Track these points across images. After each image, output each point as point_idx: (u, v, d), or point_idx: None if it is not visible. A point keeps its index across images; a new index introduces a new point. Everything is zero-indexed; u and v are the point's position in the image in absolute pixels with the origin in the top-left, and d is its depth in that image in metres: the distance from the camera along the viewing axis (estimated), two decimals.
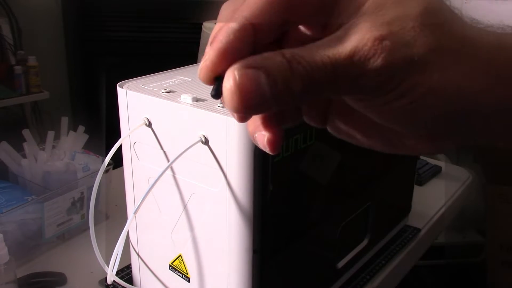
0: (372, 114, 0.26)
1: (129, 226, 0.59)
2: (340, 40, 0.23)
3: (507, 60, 0.25)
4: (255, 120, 0.28)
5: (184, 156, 0.51)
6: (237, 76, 0.22)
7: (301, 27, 0.27)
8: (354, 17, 0.24)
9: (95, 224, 0.56)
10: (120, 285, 0.61)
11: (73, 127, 0.89)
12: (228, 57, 0.24)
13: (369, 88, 0.24)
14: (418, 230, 0.88)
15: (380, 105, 0.25)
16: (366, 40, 0.23)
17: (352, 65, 0.23)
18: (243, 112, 0.23)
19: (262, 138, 0.27)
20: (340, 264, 0.69)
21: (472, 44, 0.24)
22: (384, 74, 0.23)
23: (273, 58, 0.23)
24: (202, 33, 1.66)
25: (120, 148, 0.57)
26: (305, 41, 0.25)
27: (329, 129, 0.30)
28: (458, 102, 0.24)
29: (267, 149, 0.27)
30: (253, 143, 0.47)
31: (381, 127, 0.27)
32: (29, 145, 0.83)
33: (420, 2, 0.24)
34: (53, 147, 0.86)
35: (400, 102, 0.24)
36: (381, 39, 0.23)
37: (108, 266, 0.54)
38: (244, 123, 0.28)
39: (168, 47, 2.34)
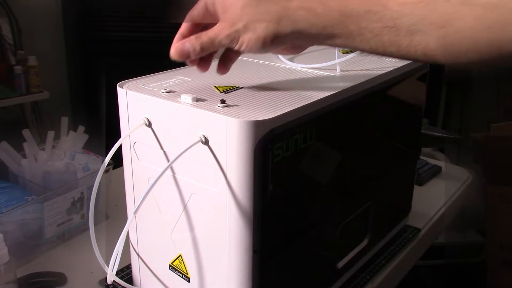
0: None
1: (129, 226, 0.59)
2: (215, 27, 0.52)
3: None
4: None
5: (184, 156, 0.51)
6: (175, 48, 0.54)
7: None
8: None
9: (95, 224, 0.56)
10: (120, 285, 0.61)
11: (73, 127, 0.89)
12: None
13: (232, 45, 0.51)
14: (418, 230, 0.88)
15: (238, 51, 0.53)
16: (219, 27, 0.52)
17: (217, 36, 0.51)
18: (184, 59, 0.54)
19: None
20: (340, 264, 0.69)
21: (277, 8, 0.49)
22: (229, 37, 0.50)
23: (191, 37, 0.53)
24: None
25: (120, 148, 0.57)
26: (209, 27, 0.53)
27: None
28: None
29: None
30: (253, 143, 0.47)
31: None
32: (29, 145, 0.83)
33: (237, 6, 0.49)
34: (53, 147, 0.86)
35: (242, 46, 0.51)
36: (223, 27, 0.51)
37: (108, 266, 0.54)
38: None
39: (168, 47, 2.33)
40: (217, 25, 0.51)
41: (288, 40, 0.50)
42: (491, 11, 0.40)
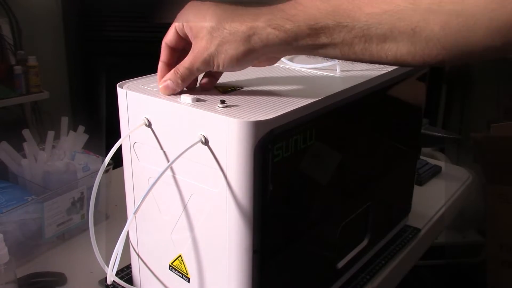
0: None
1: (129, 226, 0.59)
2: (189, 56, 0.55)
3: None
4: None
5: (184, 156, 0.51)
6: (160, 86, 0.56)
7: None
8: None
9: (95, 224, 0.56)
10: (120, 285, 0.61)
11: (73, 127, 0.89)
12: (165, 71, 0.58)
13: (202, 70, 0.55)
14: (418, 230, 0.88)
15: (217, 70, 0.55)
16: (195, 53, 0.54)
17: (193, 64, 0.54)
18: (170, 93, 0.56)
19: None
20: (340, 264, 0.69)
21: (236, 31, 0.51)
22: (205, 62, 0.53)
23: (171, 73, 0.56)
24: None
25: (120, 148, 0.57)
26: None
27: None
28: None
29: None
30: (253, 143, 0.47)
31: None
32: (29, 145, 0.83)
33: (206, 31, 0.52)
34: (53, 147, 0.86)
35: (221, 67, 0.54)
36: (196, 53, 0.54)
37: (108, 266, 0.54)
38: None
39: None
40: (190, 52, 0.54)
41: (260, 54, 0.52)
42: (456, 17, 0.42)
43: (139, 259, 0.64)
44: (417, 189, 0.95)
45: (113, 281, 0.56)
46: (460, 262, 1.98)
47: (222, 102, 0.51)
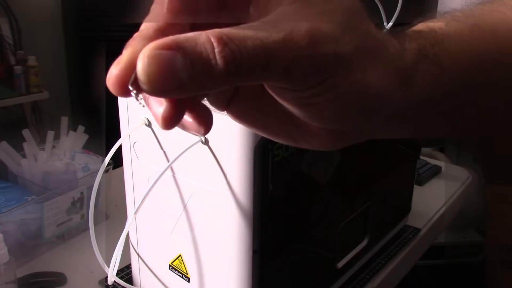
0: (294, 106, 0.26)
1: (129, 226, 0.59)
2: (273, 24, 0.22)
3: (408, 63, 0.27)
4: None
5: (184, 156, 0.51)
6: (146, 59, 0.20)
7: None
8: (284, 4, 0.23)
9: (95, 224, 0.56)
10: (120, 285, 0.61)
11: (73, 127, 0.89)
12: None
13: (299, 78, 0.23)
14: (418, 230, 0.88)
15: (305, 97, 0.24)
16: (300, 28, 0.22)
17: (286, 50, 0.22)
18: (159, 96, 0.22)
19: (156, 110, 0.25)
20: (340, 264, 0.69)
21: (384, 47, 0.26)
22: (315, 64, 0.23)
23: (197, 38, 0.21)
24: None
25: (120, 148, 0.57)
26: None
27: (228, 114, 0.29)
28: (372, 100, 0.26)
29: (159, 122, 0.25)
30: (253, 143, 0.47)
31: (285, 120, 0.27)
32: (29, 145, 0.83)
33: (344, 1, 0.25)
34: (53, 147, 0.86)
35: (325, 97, 0.24)
36: (313, 29, 0.22)
37: (108, 266, 0.54)
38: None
39: None
40: (272, 19, 0.23)
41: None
42: None
43: (139, 259, 0.64)
44: (417, 189, 0.94)
45: (113, 281, 0.56)
46: (460, 262, 1.98)
47: None
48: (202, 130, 0.26)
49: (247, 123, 0.29)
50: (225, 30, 0.21)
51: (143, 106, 0.25)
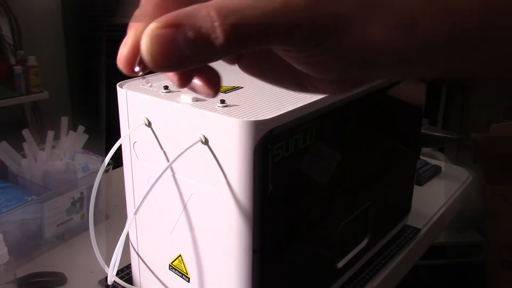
0: (298, 64, 0.27)
1: (129, 226, 0.59)
2: None
3: (414, 9, 0.25)
4: None
5: (184, 156, 0.51)
6: (148, 40, 0.22)
7: None
8: None
9: (95, 224, 0.56)
10: (120, 285, 0.61)
11: (73, 127, 0.89)
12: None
13: (301, 40, 0.23)
14: (418, 230, 0.88)
15: (308, 56, 0.25)
16: None
17: (286, 15, 0.22)
18: (164, 72, 0.23)
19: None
20: (340, 264, 0.69)
21: None
22: (315, 26, 0.23)
23: (196, 12, 0.22)
24: None
25: (120, 148, 0.57)
26: None
27: (239, 67, 0.30)
28: (376, 51, 0.25)
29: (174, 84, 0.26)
30: (253, 143, 0.47)
31: (293, 71, 0.28)
32: (29, 145, 0.83)
33: None
34: (53, 147, 0.86)
35: (328, 54, 0.25)
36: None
37: (108, 266, 0.54)
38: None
39: None
40: None
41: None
42: None
43: (139, 259, 0.64)
44: (417, 189, 0.95)
45: (113, 281, 0.56)
46: (460, 262, 1.98)
47: (222, 101, 0.51)
48: (211, 92, 0.27)
49: (257, 76, 0.31)
50: (225, 1, 0.22)
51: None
